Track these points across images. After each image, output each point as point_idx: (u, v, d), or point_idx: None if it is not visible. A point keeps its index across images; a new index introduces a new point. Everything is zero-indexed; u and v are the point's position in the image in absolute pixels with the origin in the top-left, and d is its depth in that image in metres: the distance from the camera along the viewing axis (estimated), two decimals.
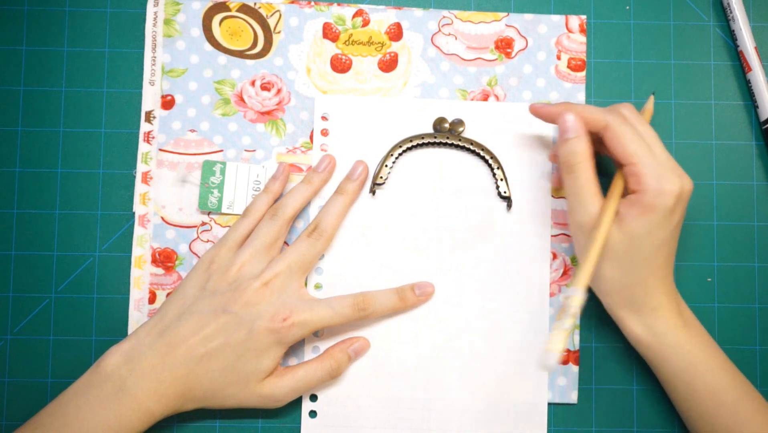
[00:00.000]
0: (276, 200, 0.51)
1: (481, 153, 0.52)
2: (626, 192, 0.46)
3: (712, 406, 0.46)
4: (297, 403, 0.51)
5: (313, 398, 0.51)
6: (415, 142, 0.52)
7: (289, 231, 0.51)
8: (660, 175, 0.44)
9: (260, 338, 0.47)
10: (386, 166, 0.52)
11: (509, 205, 0.52)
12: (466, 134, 0.53)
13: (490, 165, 0.52)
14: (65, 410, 0.45)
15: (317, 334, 0.52)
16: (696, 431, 0.47)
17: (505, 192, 0.52)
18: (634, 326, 0.47)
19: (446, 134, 0.53)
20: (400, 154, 0.52)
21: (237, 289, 0.47)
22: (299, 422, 0.52)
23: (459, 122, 0.52)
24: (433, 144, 0.53)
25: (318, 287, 0.52)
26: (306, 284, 0.52)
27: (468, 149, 0.53)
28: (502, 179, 0.52)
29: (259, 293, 0.47)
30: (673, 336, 0.46)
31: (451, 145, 0.53)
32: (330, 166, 0.52)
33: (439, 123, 0.53)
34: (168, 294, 0.52)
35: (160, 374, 0.46)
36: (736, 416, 0.45)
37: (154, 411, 0.46)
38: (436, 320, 0.52)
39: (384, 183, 0.52)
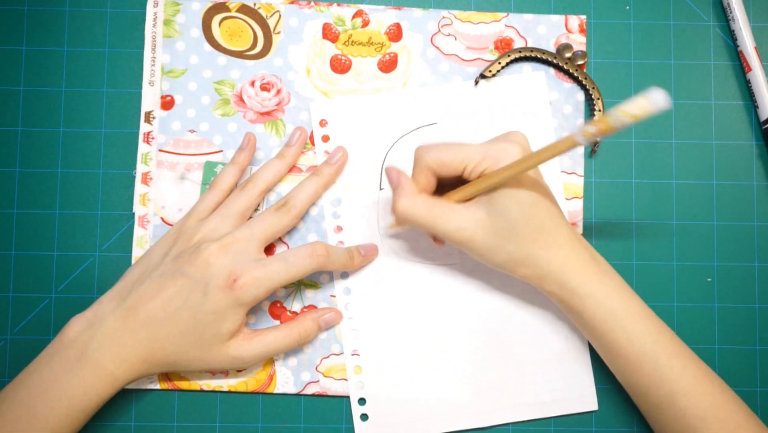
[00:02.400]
0: (243, 172, 0.52)
1: (590, 89, 0.53)
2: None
3: (632, 353, 0.45)
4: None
5: (362, 401, 0.52)
6: (534, 54, 0.53)
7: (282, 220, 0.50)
8: (491, 151, 0.44)
9: (216, 299, 0.46)
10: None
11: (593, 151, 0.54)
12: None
13: (591, 100, 0.53)
14: (29, 380, 0.45)
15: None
16: (623, 380, 0.47)
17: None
18: (553, 289, 0.46)
19: (566, 60, 0.53)
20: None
21: (195, 251, 0.47)
22: (300, 422, 0.52)
23: (582, 54, 0.53)
24: (546, 62, 0.54)
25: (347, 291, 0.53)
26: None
27: (579, 81, 0.53)
28: (599, 110, 0.53)
29: (216, 255, 0.47)
30: (588, 285, 0.45)
31: (567, 72, 0.53)
32: (342, 159, 0.52)
33: (563, 48, 0.53)
34: None
35: (122, 338, 0.46)
36: (655, 358, 0.45)
37: (117, 375, 0.46)
38: (481, 311, 0.52)
39: None
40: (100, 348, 0.46)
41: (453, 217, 0.46)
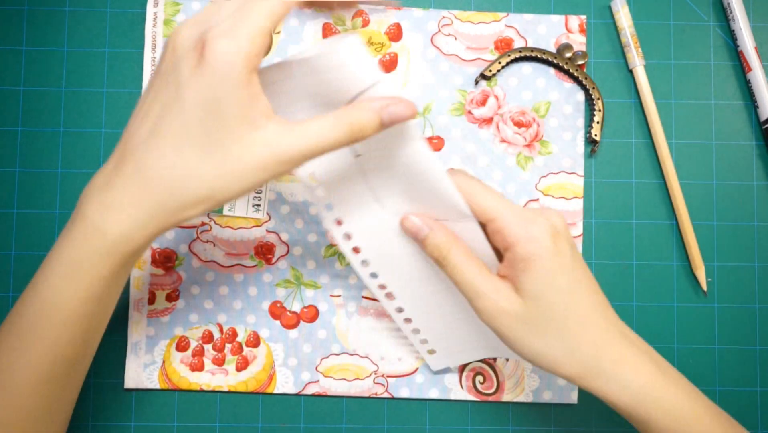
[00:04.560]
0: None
1: (590, 89, 0.52)
2: (500, 258, 0.41)
3: None
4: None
5: (424, 341, 0.50)
6: (534, 54, 0.53)
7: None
8: (523, 220, 0.39)
9: (192, 82, 0.34)
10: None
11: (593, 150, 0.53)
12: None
13: (592, 103, 0.52)
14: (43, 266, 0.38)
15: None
16: None
17: (595, 135, 0.53)
18: (608, 391, 0.39)
19: (566, 60, 0.53)
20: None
21: (173, 49, 0.36)
22: (300, 422, 0.52)
23: (582, 54, 0.52)
24: (548, 63, 0.53)
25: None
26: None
27: (579, 81, 0.53)
28: (598, 122, 0.53)
29: (179, 34, 0.36)
30: (651, 388, 0.39)
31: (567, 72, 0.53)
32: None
33: (563, 48, 0.53)
34: (167, 295, 0.52)
35: (110, 183, 0.36)
36: None
37: (105, 230, 0.35)
38: None
39: None
40: (88, 201, 0.36)
41: (486, 287, 0.40)
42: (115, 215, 0.36)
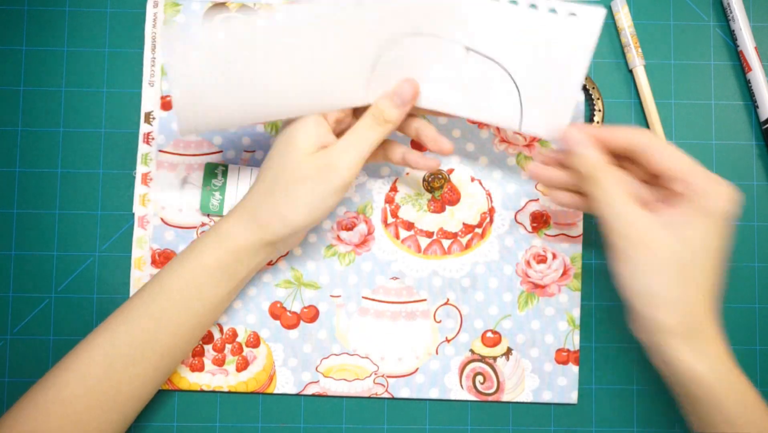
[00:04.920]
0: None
1: (590, 89, 0.52)
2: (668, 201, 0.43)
3: None
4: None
5: None
6: None
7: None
8: (712, 179, 0.41)
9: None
10: None
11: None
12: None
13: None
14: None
15: None
16: None
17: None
18: (694, 359, 0.40)
19: None
20: None
21: None
22: (300, 422, 0.52)
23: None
24: None
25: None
26: None
27: None
28: (598, 122, 0.52)
29: None
30: (729, 374, 0.40)
31: None
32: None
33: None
34: None
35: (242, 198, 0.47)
36: None
37: (231, 233, 0.46)
38: None
39: None
40: (226, 217, 0.47)
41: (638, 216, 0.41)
42: (235, 221, 0.46)
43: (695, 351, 0.40)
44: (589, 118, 0.54)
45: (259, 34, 0.42)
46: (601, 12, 0.43)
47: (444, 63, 0.46)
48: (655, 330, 0.41)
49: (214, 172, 0.52)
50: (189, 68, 0.42)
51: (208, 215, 0.53)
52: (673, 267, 0.40)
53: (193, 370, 0.52)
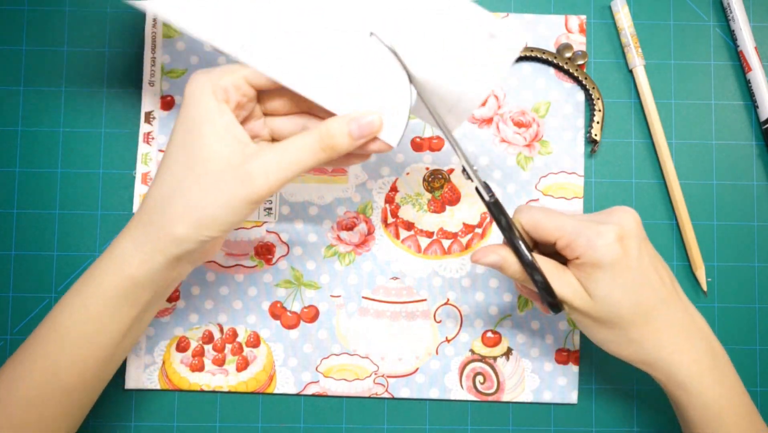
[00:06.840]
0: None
1: (590, 89, 0.52)
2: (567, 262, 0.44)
3: None
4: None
5: None
6: (534, 54, 0.52)
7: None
8: (587, 230, 0.41)
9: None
10: None
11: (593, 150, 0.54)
12: None
13: (592, 103, 0.52)
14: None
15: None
16: None
17: (595, 135, 0.53)
18: (660, 377, 0.43)
19: (566, 60, 0.53)
20: None
21: None
22: (300, 422, 0.52)
23: (582, 54, 0.53)
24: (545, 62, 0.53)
25: None
26: None
27: (579, 81, 0.53)
28: (598, 122, 0.53)
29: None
30: (698, 382, 0.42)
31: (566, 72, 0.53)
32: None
33: (563, 48, 0.53)
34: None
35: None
36: None
37: (126, 254, 0.41)
38: None
39: None
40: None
41: (567, 278, 0.42)
42: (127, 241, 0.41)
43: (662, 372, 0.43)
44: (589, 118, 0.54)
45: None
46: (521, 41, 0.41)
47: (344, 50, 0.41)
48: (631, 363, 0.44)
49: None
50: None
51: None
52: (606, 322, 0.42)
53: (193, 370, 0.52)
